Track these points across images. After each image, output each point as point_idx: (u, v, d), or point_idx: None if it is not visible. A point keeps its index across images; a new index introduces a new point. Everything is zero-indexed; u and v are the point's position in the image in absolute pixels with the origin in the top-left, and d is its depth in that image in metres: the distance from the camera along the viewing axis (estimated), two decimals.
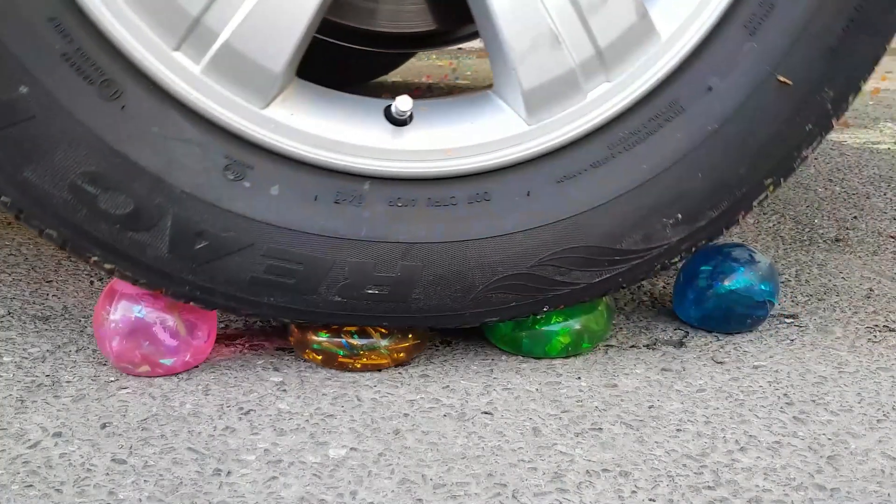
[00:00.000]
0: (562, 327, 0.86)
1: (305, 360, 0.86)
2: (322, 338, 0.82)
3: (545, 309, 0.82)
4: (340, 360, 0.83)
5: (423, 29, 1.21)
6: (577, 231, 0.80)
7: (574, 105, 0.79)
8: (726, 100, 0.79)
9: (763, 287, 0.92)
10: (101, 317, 0.80)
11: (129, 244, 0.75)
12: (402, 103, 0.77)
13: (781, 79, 0.79)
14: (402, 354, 0.84)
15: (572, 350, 0.88)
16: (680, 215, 0.81)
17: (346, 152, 0.77)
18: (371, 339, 0.82)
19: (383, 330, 0.82)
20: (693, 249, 0.83)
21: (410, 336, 0.84)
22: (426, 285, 0.79)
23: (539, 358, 0.88)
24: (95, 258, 0.75)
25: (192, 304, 0.79)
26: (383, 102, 0.79)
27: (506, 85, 0.79)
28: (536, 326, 0.86)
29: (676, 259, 0.83)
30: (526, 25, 0.76)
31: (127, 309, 0.79)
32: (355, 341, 0.82)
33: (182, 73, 0.73)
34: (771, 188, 0.82)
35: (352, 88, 0.89)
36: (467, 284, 0.79)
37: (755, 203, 0.83)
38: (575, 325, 0.86)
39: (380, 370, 0.84)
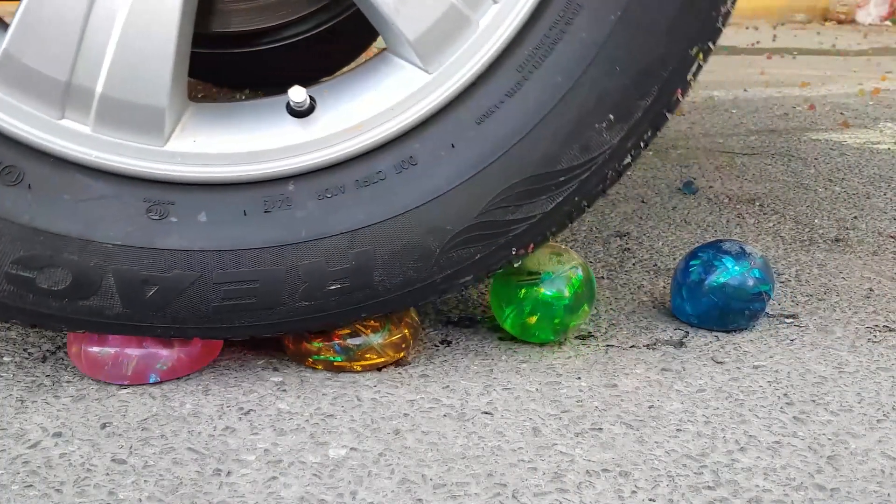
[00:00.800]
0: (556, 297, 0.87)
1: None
2: (316, 346, 0.82)
3: (513, 252, 0.80)
4: (337, 364, 0.83)
5: (301, 14, 1.16)
6: (512, 166, 0.77)
7: (469, 39, 0.75)
8: None
9: (756, 276, 0.92)
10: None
11: (86, 311, 0.75)
12: (296, 94, 0.75)
13: None
14: (401, 353, 0.84)
15: (562, 327, 0.89)
16: (611, 115, 0.77)
17: (260, 159, 0.75)
18: (362, 338, 0.82)
19: (373, 323, 0.82)
20: (641, 144, 0.79)
21: (403, 324, 0.84)
22: (384, 266, 0.77)
23: (542, 343, 0.88)
24: (65, 330, 0.77)
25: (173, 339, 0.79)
26: (284, 99, 0.76)
27: (393, 41, 0.77)
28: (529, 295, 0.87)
29: (627, 160, 0.79)
30: None
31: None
32: (348, 343, 0.82)
33: (75, 138, 0.73)
34: (700, 56, 0.78)
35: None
36: (424, 252, 0.78)
37: (689, 77, 0.78)
38: (564, 292, 0.87)
39: (380, 369, 0.84)
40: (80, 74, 0.71)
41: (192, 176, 0.75)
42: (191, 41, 0.75)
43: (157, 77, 0.72)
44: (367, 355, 0.83)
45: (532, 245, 0.81)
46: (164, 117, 0.73)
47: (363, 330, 0.82)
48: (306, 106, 0.76)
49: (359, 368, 0.83)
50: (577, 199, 0.79)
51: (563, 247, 0.91)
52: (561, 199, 0.79)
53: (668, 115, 0.79)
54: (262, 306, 0.77)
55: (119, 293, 0.75)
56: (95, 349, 0.79)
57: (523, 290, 0.87)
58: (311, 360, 0.83)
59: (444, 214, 0.77)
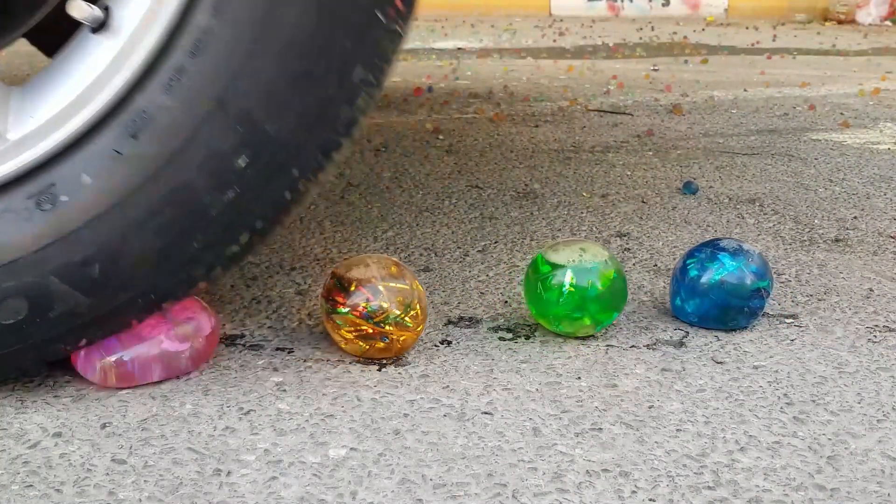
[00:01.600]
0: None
1: (350, 356, 0.86)
2: (342, 312, 0.83)
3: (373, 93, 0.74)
4: (371, 331, 0.84)
5: None
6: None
7: None
8: None
9: (753, 272, 0.92)
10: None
11: (63, 321, 0.74)
12: (76, 11, 0.70)
13: None
14: (420, 327, 0.85)
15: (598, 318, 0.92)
16: None
17: (96, 92, 0.71)
18: (386, 314, 0.83)
19: (396, 312, 0.83)
20: None
21: (416, 298, 0.85)
22: (266, 113, 0.72)
23: (541, 344, 0.88)
24: (66, 347, 0.77)
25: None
26: (83, 26, 0.72)
27: None
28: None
29: None
30: None
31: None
32: (370, 305, 0.83)
33: None
34: None
35: None
36: (303, 78, 0.72)
37: None
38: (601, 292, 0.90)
39: (380, 369, 0.84)
40: None
41: (50, 149, 0.72)
42: None
43: None
44: (389, 327, 0.83)
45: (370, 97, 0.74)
46: None
47: (390, 310, 0.83)
48: (100, 17, 0.71)
49: (380, 346, 0.84)
50: (394, 38, 0.73)
51: (595, 243, 0.92)
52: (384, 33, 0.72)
53: None
54: (197, 221, 0.73)
55: (73, 288, 0.73)
56: (110, 359, 0.78)
57: (555, 280, 0.89)
58: (350, 339, 0.84)
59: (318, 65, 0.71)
